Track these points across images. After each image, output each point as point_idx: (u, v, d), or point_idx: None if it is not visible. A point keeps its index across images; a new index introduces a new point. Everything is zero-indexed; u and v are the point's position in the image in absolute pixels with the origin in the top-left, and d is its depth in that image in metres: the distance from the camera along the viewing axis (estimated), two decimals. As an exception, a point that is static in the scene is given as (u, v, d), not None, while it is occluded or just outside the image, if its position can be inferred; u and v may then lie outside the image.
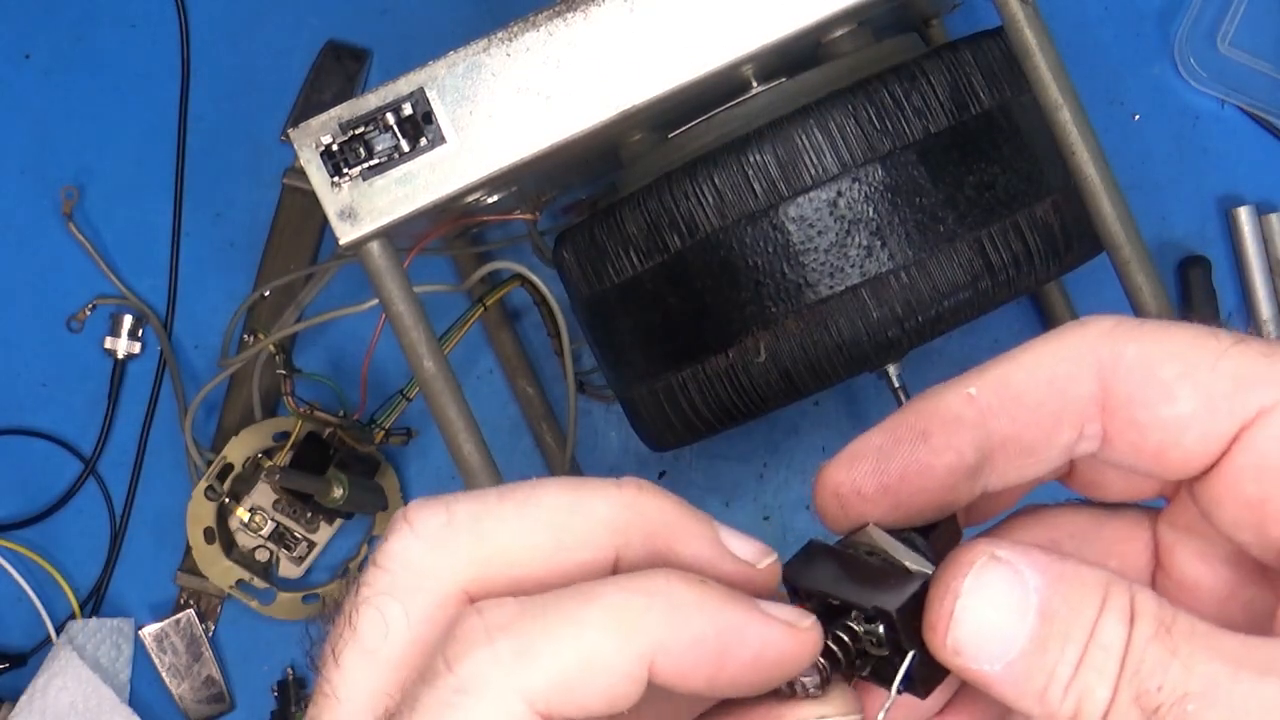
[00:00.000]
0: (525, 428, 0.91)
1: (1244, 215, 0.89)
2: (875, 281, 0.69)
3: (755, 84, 0.74)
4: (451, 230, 0.81)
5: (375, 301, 0.73)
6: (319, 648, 0.34)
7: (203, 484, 0.88)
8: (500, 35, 0.69)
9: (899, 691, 0.33)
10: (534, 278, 0.83)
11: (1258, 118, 0.91)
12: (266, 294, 0.90)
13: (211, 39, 0.94)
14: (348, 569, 0.91)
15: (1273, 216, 0.89)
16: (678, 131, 0.75)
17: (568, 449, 0.87)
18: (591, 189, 0.86)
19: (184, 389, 0.92)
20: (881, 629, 0.33)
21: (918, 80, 0.70)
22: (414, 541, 0.33)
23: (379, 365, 0.88)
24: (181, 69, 0.94)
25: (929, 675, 0.34)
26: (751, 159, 0.70)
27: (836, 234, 0.69)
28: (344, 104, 0.69)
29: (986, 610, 0.32)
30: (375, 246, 0.70)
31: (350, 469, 0.87)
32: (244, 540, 0.90)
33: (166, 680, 0.91)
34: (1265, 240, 0.89)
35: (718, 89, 0.71)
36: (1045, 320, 0.90)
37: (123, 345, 0.92)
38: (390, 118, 0.69)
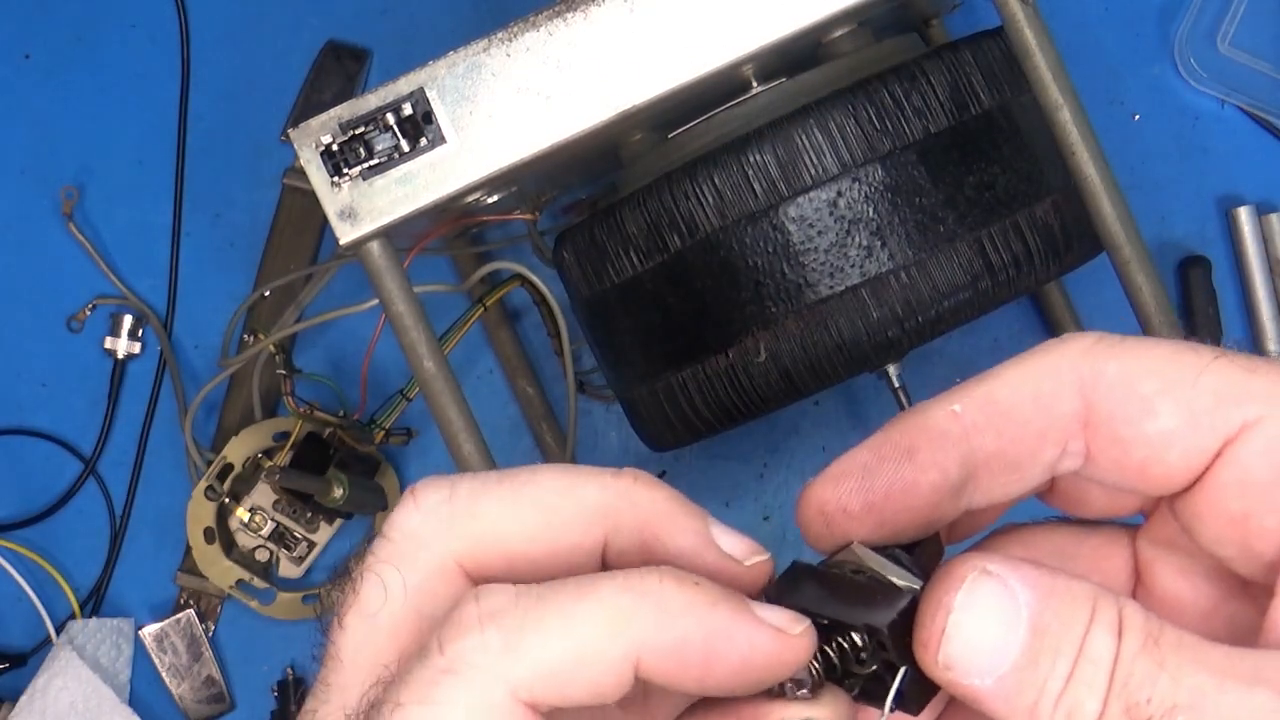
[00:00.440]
0: (525, 428, 0.91)
1: (1244, 215, 0.89)
2: (875, 281, 0.69)
3: (755, 84, 0.74)
4: (451, 230, 0.81)
5: (375, 301, 0.73)
6: (329, 616, 0.36)
7: (203, 484, 0.88)
8: (500, 35, 0.69)
9: (892, 709, 0.33)
10: (534, 278, 0.83)
11: (1258, 118, 0.90)
12: (266, 294, 0.90)
13: (211, 39, 0.94)
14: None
15: (1273, 216, 0.89)
16: (678, 131, 0.75)
17: (568, 449, 0.87)
18: (591, 189, 0.86)
19: (184, 389, 0.92)
20: (871, 646, 0.33)
21: (918, 80, 0.70)
22: (415, 514, 0.35)
23: (379, 365, 0.88)
24: (181, 69, 0.93)
25: (919, 692, 0.34)
26: (751, 159, 0.70)
27: (836, 234, 0.69)
28: (344, 104, 0.69)
29: (978, 625, 0.32)
30: (375, 246, 0.70)
31: (350, 469, 0.87)
32: (244, 540, 0.90)
33: (166, 680, 0.91)
34: (1265, 240, 0.89)
35: (718, 89, 0.71)
36: (1045, 320, 0.90)
37: (123, 345, 0.92)
38: (390, 118, 0.69)
